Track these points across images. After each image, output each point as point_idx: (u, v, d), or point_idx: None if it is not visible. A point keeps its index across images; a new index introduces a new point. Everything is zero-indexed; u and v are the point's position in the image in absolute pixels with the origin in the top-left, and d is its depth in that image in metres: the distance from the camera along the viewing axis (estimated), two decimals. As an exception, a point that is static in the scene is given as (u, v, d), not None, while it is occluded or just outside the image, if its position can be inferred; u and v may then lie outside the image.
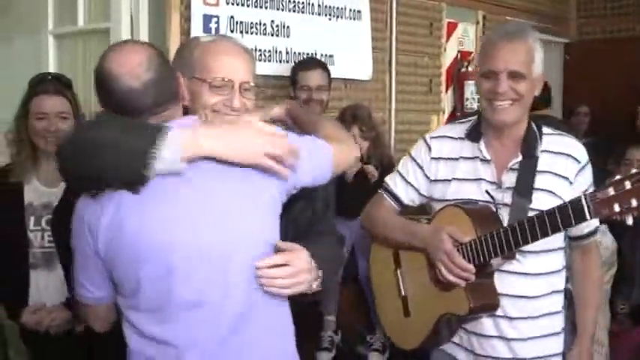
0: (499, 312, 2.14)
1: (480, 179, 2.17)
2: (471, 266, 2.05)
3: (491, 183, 2.16)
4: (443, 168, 2.23)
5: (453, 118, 4.72)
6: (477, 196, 2.16)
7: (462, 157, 2.22)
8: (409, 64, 4.61)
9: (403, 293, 2.35)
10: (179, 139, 1.56)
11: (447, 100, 4.91)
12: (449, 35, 4.91)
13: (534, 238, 1.97)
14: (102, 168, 1.55)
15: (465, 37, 5.05)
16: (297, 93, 3.56)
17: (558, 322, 2.20)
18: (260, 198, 1.67)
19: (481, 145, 2.19)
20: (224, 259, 1.61)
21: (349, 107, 3.86)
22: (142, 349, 1.67)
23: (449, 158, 2.24)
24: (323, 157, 1.81)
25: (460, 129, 2.28)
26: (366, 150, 3.82)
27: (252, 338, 1.65)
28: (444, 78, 4.88)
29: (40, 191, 2.61)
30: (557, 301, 2.20)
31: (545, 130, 2.20)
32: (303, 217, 1.95)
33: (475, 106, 4.77)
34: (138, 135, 1.56)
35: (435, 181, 2.25)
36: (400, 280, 2.36)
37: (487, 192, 2.15)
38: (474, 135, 2.22)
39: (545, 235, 1.96)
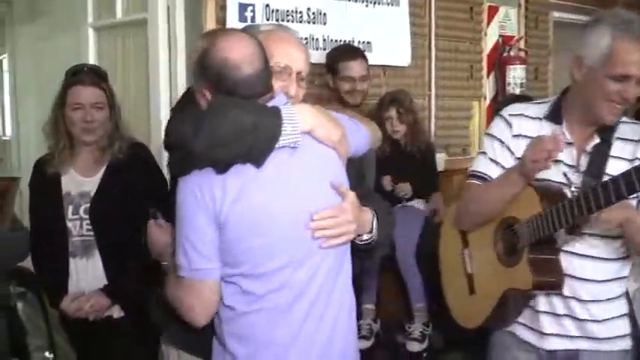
0: (568, 293, 2.15)
1: (559, 161, 2.13)
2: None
3: (570, 166, 2.15)
4: (522, 146, 2.17)
5: (495, 104, 4.64)
6: (554, 177, 2.14)
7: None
8: (449, 50, 4.54)
9: (469, 271, 2.40)
10: (295, 116, 1.73)
11: (488, 86, 4.82)
12: (490, 19, 4.82)
13: (598, 207, 1.95)
14: (246, 148, 1.69)
15: (506, 21, 4.95)
16: (338, 83, 3.52)
17: (624, 305, 2.21)
18: (331, 173, 1.84)
19: (564, 127, 2.16)
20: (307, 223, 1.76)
21: (390, 91, 3.85)
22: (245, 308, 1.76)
23: (527, 136, 2.19)
24: (361, 136, 2.00)
25: (536, 109, 2.25)
26: (404, 135, 3.80)
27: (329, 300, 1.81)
28: (485, 63, 4.79)
29: (78, 180, 2.65)
30: (623, 285, 2.21)
31: (623, 118, 2.17)
32: None
33: (517, 91, 4.68)
34: (268, 115, 1.72)
35: (518, 158, 2.19)
36: (467, 258, 2.41)
37: (564, 174, 2.14)
38: (554, 117, 2.19)
39: (608, 202, 1.93)
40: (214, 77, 1.74)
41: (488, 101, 4.81)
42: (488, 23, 4.81)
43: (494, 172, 2.23)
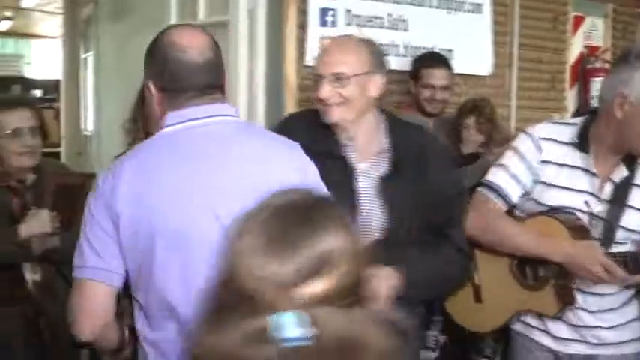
0: (580, 304, 2.26)
1: (582, 191, 2.17)
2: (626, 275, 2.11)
3: (592, 195, 2.17)
4: (548, 172, 2.22)
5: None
6: (575, 204, 2.17)
7: (566, 165, 2.20)
8: (532, 59, 4.42)
9: (476, 281, 2.43)
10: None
11: (570, 98, 4.67)
12: (575, 29, 4.67)
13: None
14: None
15: (592, 32, 4.79)
16: (419, 90, 3.47)
17: (636, 308, 2.33)
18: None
19: (590, 157, 2.17)
20: None
21: (471, 98, 3.74)
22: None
23: (555, 163, 2.21)
24: None
25: (567, 132, 2.23)
26: (481, 145, 3.68)
27: None
28: (568, 74, 4.64)
29: None
30: (629, 292, 2.31)
31: None
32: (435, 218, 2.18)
33: (601, 104, 4.51)
34: None
35: (541, 183, 2.23)
36: (474, 268, 2.42)
37: (586, 203, 2.16)
38: (583, 145, 2.18)
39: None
40: (160, 64, 1.68)
41: (570, 114, 4.65)
42: (574, 33, 4.66)
43: (512, 189, 2.25)
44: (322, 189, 1.73)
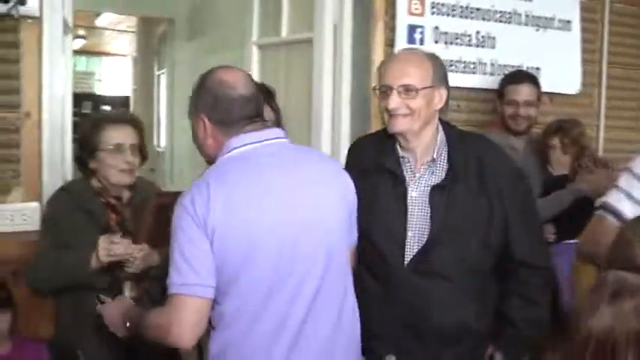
0: None
1: None
2: None
3: None
4: None
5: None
6: None
7: None
8: (621, 78, 4.28)
9: None
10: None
11: (662, 118, 4.52)
12: (666, 47, 4.52)
13: None
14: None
15: (684, 49, 4.62)
16: (504, 107, 3.40)
17: None
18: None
19: None
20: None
21: (559, 119, 3.62)
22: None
23: None
24: None
25: None
26: (569, 166, 3.55)
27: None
28: (659, 94, 4.49)
29: None
30: None
31: None
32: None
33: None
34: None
35: None
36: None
37: None
38: None
39: None
40: (211, 99, 1.90)
41: (660, 134, 4.50)
42: (665, 51, 4.51)
43: (627, 209, 2.15)
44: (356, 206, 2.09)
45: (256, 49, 4.06)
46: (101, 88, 12.75)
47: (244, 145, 1.89)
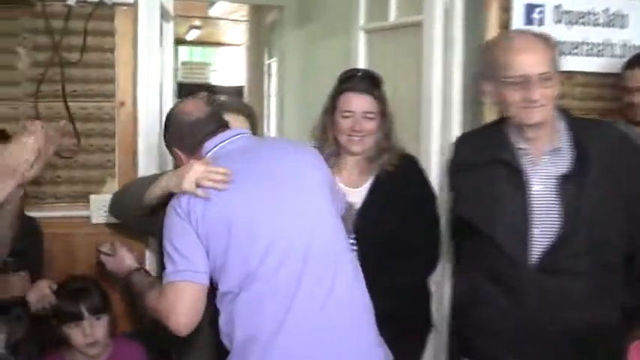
0: None
1: None
2: None
3: None
4: None
5: None
6: None
7: None
8: None
9: None
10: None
11: None
12: None
13: None
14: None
15: None
16: (622, 94, 3.06)
17: None
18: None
19: None
20: None
21: None
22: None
23: None
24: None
25: None
26: None
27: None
28: None
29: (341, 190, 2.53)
30: None
31: None
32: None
33: None
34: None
35: None
36: None
37: None
38: None
39: None
40: (176, 131, 2.16)
41: None
42: None
43: None
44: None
45: (363, 34, 3.94)
46: (217, 79, 12.95)
47: (215, 146, 2.11)
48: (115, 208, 2.63)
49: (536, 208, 2.14)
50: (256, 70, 8.99)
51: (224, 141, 2.12)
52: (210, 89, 11.34)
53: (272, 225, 1.95)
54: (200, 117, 2.14)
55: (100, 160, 2.90)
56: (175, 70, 11.67)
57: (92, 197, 2.87)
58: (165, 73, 3.19)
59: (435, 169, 3.10)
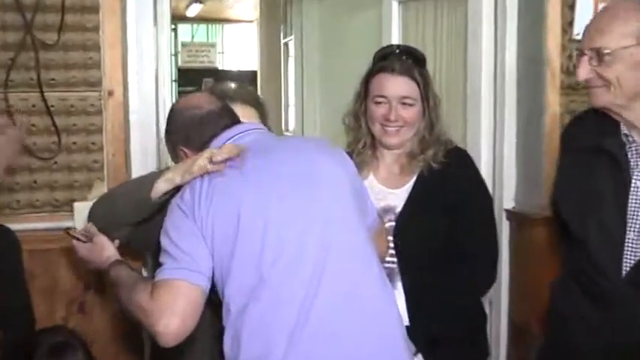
0: None
1: None
2: None
3: None
4: None
5: None
6: None
7: None
8: None
9: None
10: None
11: None
12: None
13: None
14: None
15: None
16: None
17: None
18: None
19: None
20: None
21: None
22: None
23: None
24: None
25: None
26: None
27: None
28: None
29: (379, 191, 2.56)
30: None
31: None
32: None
33: None
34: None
35: None
36: None
37: None
38: None
39: None
40: (182, 128, 2.18)
41: None
42: None
43: None
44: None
45: (397, 5, 3.95)
46: (224, 62, 12.99)
47: (225, 141, 2.11)
48: (103, 216, 2.48)
49: (634, 207, 2.14)
50: (271, 51, 9.00)
51: (234, 136, 2.13)
52: (217, 75, 11.40)
53: (282, 229, 1.97)
54: (211, 110, 2.17)
55: (85, 161, 2.90)
56: (174, 52, 11.77)
57: (77, 205, 2.85)
58: (162, 56, 3.20)
59: (485, 169, 3.09)
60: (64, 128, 2.86)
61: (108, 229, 2.48)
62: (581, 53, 2.13)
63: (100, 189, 2.88)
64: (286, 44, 7.99)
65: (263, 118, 2.57)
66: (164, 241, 2.00)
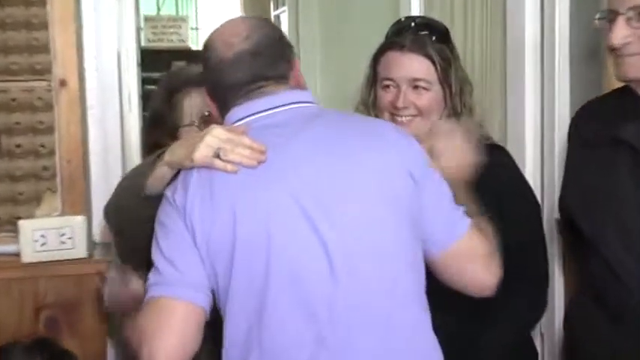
0: None
1: None
2: None
3: None
4: None
5: None
6: None
7: None
8: None
9: None
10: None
11: None
12: None
13: None
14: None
15: None
16: None
17: None
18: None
19: None
20: None
21: None
22: None
23: None
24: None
25: None
26: None
27: None
28: None
29: None
30: None
31: None
32: None
33: None
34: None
35: None
36: None
37: None
38: None
39: None
40: (206, 69, 2.09)
41: None
42: None
43: None
44: None
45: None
46: (200, 41, 12.99)
47: (248, 115, 2.03)
48: (116, 215, 2.49)
49: None
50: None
51: (263, 111, 2.05)
52: (190, 57, 11.38)
53: (292, 241, 1.94)
54: (242, 52, 2.05)
55: (32, 168, 2.91)
56: (136, 29, 11.78)
57: (22, 224, 2.85)
58: (125, 35, 3.17)
59: (530, 171, 3.11)
60: (4, 127, 2.87)
61: (128, 230, 2.48)
62: (614, 14, 2.15)
63: (52, 203, 2.89)
64: (277, 17, 8.01)
65: None
66: (152, 245, 2.02)
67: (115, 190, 2.48)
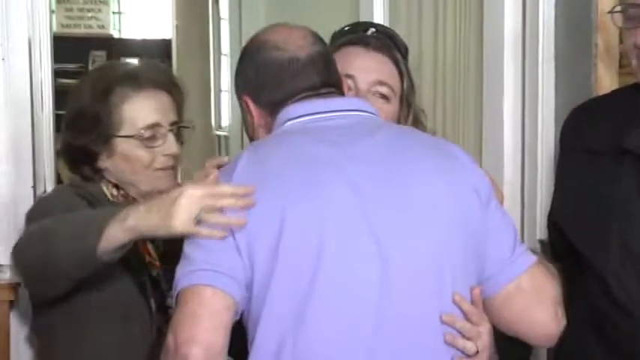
0: None
1: None
2: None
3: None
4: None
5: None
6: None
7: None
8: None
9: None
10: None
11: None
12: None
13: None
14: None
15: None
16: None
17: None
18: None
19: None
20: None
21: None
22: None
23: None
24: None
25: None
26: None
27: None
28: None
29: None
30: None
31: None
32: None
33: None
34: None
35: None
36: None
37: None
38: None
39: None
40: (252, 71, 2.26)
41: None
42: None
43: None
44: None
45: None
46: (123, 28, 12.98)
47: (298, 117, 2.19)
48: (37, 264, 2.43)
49: None
50: (192, 10, 9.05)
51: (316, 114, 2.20)
52: (111, 46, 11.38)
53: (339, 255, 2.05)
54: (298, 57, 2.23)
55: None
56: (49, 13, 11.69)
57: None
58: (39, 20, 3.17)
59: (509, 182, 3.22)
60: None
61: (39, 284, 2.53)
62: (634, 5, 2.24)
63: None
64: (216, 1, 8.02)
65: (179, 108, 2.67)
66: (186, 243, 2.11)
67: (53, 230, 2.39)
